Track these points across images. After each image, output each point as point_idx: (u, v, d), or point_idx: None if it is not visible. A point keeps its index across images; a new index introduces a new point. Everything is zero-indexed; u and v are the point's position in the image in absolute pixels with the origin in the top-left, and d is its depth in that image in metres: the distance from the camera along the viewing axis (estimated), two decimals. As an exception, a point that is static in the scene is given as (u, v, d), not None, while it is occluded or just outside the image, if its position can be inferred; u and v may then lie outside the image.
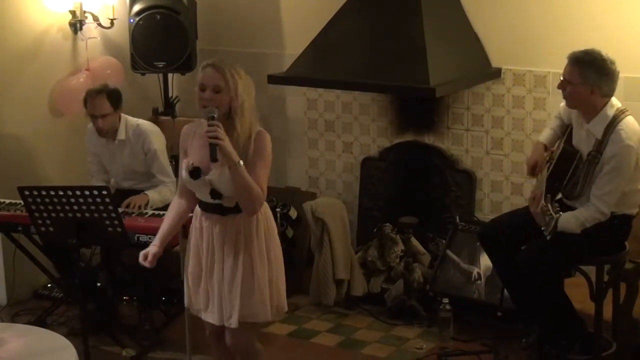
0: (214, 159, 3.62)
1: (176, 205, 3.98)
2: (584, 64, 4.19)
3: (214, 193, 3.75)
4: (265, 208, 3.90)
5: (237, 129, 3.69)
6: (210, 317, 3.90)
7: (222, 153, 3.61)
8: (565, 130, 4.46)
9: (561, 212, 4.07)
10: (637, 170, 4.22)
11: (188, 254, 3.98)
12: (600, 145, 4.18)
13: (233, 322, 3.80)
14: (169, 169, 5.30)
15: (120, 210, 4.58)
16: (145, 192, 5.12)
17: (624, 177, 4.16)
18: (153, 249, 3.90)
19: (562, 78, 4.28)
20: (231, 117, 3.69)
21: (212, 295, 3.86)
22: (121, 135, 5.21)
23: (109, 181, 5.46)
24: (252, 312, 3.81)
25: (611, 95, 4.23)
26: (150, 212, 4.96)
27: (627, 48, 4.97)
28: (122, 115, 5.24)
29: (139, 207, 4.99)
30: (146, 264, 3.87)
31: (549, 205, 4.06)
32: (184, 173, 3.80)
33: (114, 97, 5.14)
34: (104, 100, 5.11)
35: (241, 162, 3.64)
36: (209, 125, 3.61)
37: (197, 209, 3.90)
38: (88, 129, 5.33)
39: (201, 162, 3.74)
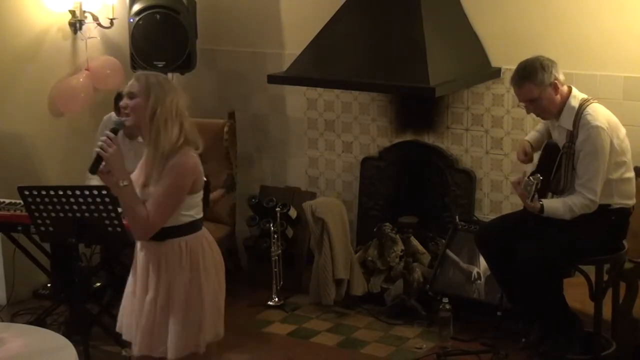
0: (92, 170, 3.54)
1: None
2: (529, 74, 4.27)
3: None
4: (195, 243, 3.67)
5: (151, 144, 3.55)
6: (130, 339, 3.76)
7: (110, 168, 3.50)
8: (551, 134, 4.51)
9: (541, 177, 4.10)
10: (617, 155, 4.24)
11: None
12: (572, 136, 4.22)
13: (170, 355, 3.64)
14: None
15: (120, 210, 4.57)
16: None
17: (601, 160, 4.17)
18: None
19: (523, 104, 4.34)
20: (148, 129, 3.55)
21: (132, 320, 3.73)
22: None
23: None
24: (164, 346, 3.64)
25: (564, 80, 4.28)
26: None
27: (627, 48, 4.97)
28: None
29: None
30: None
31: (529, 177, 4.11)
32: None
33: None
34: None
35: (125, 183, 3.51)
36: (106, 135, 3.54)
37: None
38: (104, 119, 5.25)
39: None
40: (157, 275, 3.66)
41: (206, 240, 3.74)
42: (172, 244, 3.64)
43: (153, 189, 3.56)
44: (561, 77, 4.28)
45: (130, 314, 3.76)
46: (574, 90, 4.31)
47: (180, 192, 3.59)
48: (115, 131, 3.57)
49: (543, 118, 4.44)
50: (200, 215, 3.73)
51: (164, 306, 3.65)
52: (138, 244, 3.75)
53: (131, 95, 3.59)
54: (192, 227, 3.68)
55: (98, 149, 3.51)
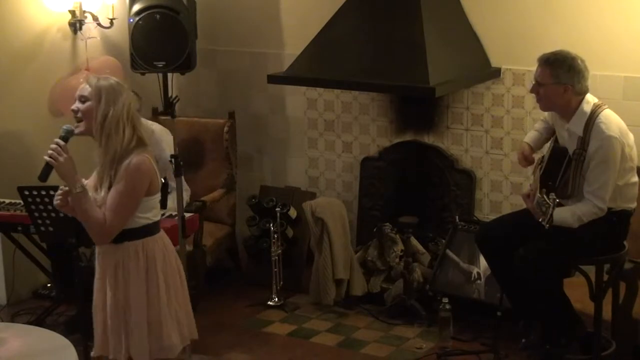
0: (42, 177, 3.54)
1: None
2: (554, 63, 4.26)
3: None
4: (152, 246, 3.67)
5: (102, 148, 3.55)
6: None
7: (60, 176, 3.51)
8: (552, 132, 4.50)
9: (557, 200, 4.08)
10: (626, 162, 4.23)
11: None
12: (583, 142, 4.21)
13: (111, 355, 3.69)
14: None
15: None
16: None
17: (612, 169, 4.17)
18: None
19: (533, 81, 4.33)
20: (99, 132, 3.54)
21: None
22: None
23: None
24: (130, 349, 3.66)
25: (585, 93, 4.28)
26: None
27: (627, 48, 4.98)
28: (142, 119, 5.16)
29: None
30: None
31: (544, 197, 4.08)
32: None
33: None
34: None
35: (78, 190, 3.51)
36: (56, 142, 3.53)
37: None
38: None
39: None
40: (114, 279, 3.65)
41: (163, 244, 3.72)
42: (128, 247, 3.63)
43: (105, 193, 3.54)
44: (581, 88, 4.24)
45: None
46: (588, 96, 4.28)
47: (136, 194, 3.57)
48: (65, 139, 3.57)
49: (540, 106, 4.42)
50: (158, 218, 3.71)
51: (124, 309, 3.64)
52: (97, 247, 3.73)
53: (83, 99, 3.60)
54: (148, 229, 3.66)
55: (47, 158, 3.51)
